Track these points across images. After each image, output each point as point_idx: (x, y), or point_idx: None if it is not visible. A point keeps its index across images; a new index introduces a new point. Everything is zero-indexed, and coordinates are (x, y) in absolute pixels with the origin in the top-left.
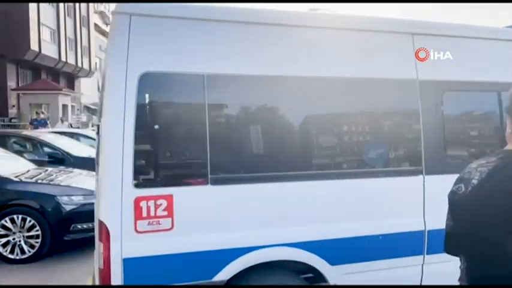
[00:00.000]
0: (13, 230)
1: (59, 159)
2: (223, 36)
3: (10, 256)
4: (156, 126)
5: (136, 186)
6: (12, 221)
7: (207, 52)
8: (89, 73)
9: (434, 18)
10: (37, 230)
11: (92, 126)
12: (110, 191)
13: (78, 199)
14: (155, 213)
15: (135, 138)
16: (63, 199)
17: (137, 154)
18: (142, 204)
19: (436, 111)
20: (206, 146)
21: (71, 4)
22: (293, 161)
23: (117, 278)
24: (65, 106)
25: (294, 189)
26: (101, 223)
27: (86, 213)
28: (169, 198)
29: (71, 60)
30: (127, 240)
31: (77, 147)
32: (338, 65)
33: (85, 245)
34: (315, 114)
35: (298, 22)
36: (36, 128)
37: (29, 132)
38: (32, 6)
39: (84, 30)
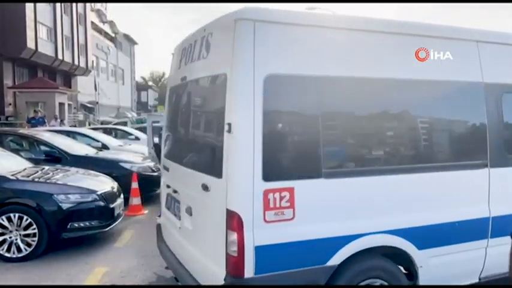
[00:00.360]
0: (10, 228)
1: (56, 157)
2: (334, 42)
3: (7, 255)
4: (280, 125)
5: (265, 179)
6: (9, 219)
7: (320, 56)
8: (85, 71)
9: (433, 18)
10: (34, 229)
11: (89, 124)
12: (243, 184)
13: (75, 197)
14: (280, 205)
15: (263, 136)
16: (60, 197)
17: (265, 150)
18: (270, 196)
19: (497, 111)
20: (320, 144)
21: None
22: (392, 156)
23: (249, 264)
24: (61, 104)
25: (393, 182)
26: (233, 213)
27: (83, 212)
28: (291, 190)
29: (68, 58)
30: (258, 229)
31: (74, 146)
32: (425, 69)
33: (82, 243)
34: (406, 114)
35: (397, 30)
36: (34, 126)
37: (25, 130)
38: (29, 4)
39: (81, 28)
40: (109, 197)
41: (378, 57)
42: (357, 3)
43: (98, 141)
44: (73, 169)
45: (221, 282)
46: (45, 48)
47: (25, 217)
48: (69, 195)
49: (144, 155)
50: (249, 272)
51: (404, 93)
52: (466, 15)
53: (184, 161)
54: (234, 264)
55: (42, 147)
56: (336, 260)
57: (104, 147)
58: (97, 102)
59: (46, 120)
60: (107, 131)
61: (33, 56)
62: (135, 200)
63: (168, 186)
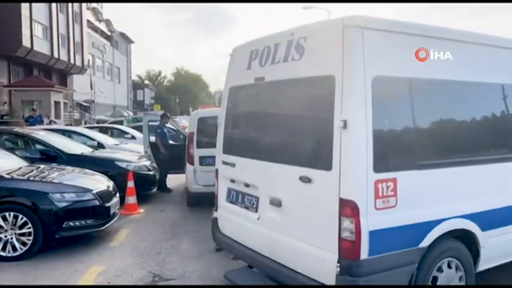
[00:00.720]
0: (5, 227)
1: (51, 156)
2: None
3: (2, 253)
4: (385, 122)
5: (375, 171)
6: (4, 218)
7: (413, 61)
8: (81, 70)
9: (429, 17)
10: (29, 228)
11: (85, 123)
12: (358, 175)
13: (71, 196)
14: (386, 193)
15: (373, 131)
16: (55, 196)
17: (375, 144)
18: (379, 186)
19: None
20: (415, 139)
21: None
22: (469, 150)
23: (365, 247)
24: (57, 103)
25: (468, 172)
26: (348, 201)
27: (78, 211)
28: (394, 181)
29: (63, 56)
30: (370, 216)
31: (69, 145)
32: (491, 74)
33: (78, 242)
34: (482, 114)
35: (483, 41)
36: (32, 125)
37: (20, 129)
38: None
39: (77, 27)
40: (104, 196)
41: (465, 64)
42: (353, 3)
43: (93, 140)
44: (69, 168)
45: (333, 265)
46: (41, 47)
47: (20, 216)
48: (64, 194)
49: (140, 153)
50: (364, 254)
51: (483, 95)
52: (464, 15)
53: (269, 156)
54: (350, 248)
55: (38, 146)
56: (426, 242)
57: (100, 146)
58: (93, 101)
59: (44, 119)
60: (103, 130)
61: (28, 55)
62: (131, 199)
63: (233, 181)
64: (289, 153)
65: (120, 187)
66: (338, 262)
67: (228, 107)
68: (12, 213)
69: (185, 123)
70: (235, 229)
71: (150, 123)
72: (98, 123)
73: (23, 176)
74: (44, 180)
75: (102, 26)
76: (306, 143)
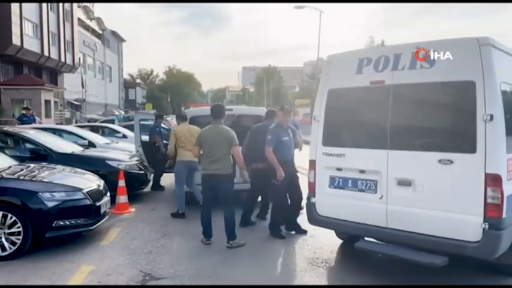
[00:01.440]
0: None
1: (42, 155)
2: None
3: None
4: (507, 115)
5: (507, 152)
6: None
7: None
8: (72, 68)
9: (420, 18)
10: (18, 227)
11: (76, 122)
12: (501, 155)
13: (61, 195)
14: (510, 168)
15: (505, 121)
16: (45, 195)
17: (506, 132)
18: (509, 163)
19: None
20: None
21: None
22: None
23: (505, 208)
24: (47, 102)
25: None
26: (494, 175)
27: (69, 210)
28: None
29: (54, 55)
30: (506, 185)
31: (60, 144)
32: None
33: (68, 241)
34: None
35: None
36: (27, 123)
37: (10, 128)
38: None
39: (68, 25)
40: (95, 195)
41: None
42: (345, 3)
43: (84, 138)
44: (59, 167)
45: (478, 224)
46: (31, 45)
47: (9, 215)
48: (54, 193)
49: (132, 153)
50: (504, 214)
51: None
52: (454, 14)
53: (395, 145)
54: (496, 209)
55: (28, 145)
56: None
57: (91, 145)
58: (84, 100)
59: (36, 118)
60: (94, 129)
61: (18, 53)
62: (122, 198)
63: (339, 169)
64: (426, 142)
65: (111, 186)
66: (485, 221)
67: (329, 106)
68: (1, 213)
69: None
70: (343, 210)
71: (142, 122)
72: (89, 122)
73: (13, 175)
74: (33, 179)
75: (93, 24)
76: (444, 133)
